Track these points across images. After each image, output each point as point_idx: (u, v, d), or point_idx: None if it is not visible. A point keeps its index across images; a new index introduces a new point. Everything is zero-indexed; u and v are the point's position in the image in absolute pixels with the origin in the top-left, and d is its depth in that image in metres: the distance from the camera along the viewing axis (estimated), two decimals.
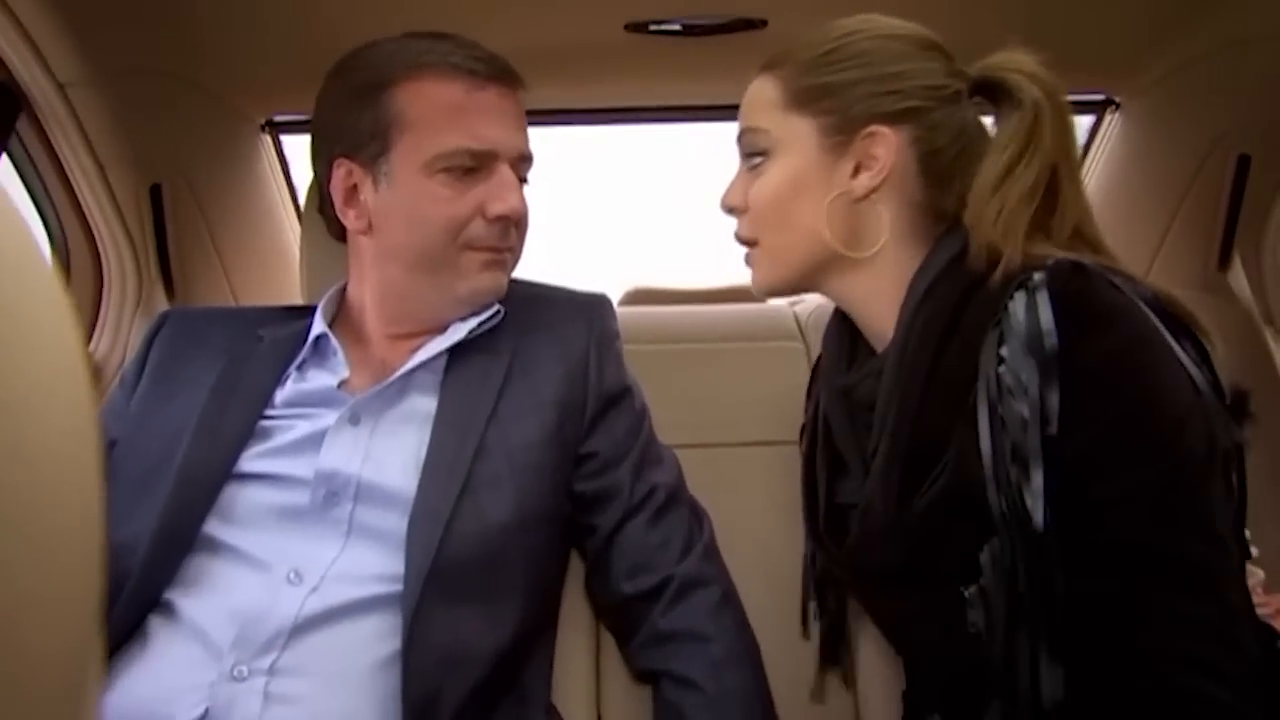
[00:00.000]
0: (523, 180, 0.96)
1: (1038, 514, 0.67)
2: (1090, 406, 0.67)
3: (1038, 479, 0.67)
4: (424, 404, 0.91)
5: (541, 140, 0.98)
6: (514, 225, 0.94)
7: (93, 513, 0.27)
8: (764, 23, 1.23)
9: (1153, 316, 0.70)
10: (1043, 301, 0.69)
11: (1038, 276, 0.70)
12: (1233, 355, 1.23)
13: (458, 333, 0.94)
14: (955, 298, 0.75)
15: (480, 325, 0.96)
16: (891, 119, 0.79)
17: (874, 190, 0.80)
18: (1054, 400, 0.67)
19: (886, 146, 0.79)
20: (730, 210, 0.87)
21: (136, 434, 0.92)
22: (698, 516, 0.98)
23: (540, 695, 0.90)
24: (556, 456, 0.92)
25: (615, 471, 0.94)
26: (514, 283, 1.01)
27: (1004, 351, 0.70)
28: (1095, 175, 1.61)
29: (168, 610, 0.80)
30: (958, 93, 0.81)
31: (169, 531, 0.83)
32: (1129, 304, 0.69)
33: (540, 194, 1.00)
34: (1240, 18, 1.25)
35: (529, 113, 0.99)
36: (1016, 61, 0.79)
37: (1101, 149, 1.59)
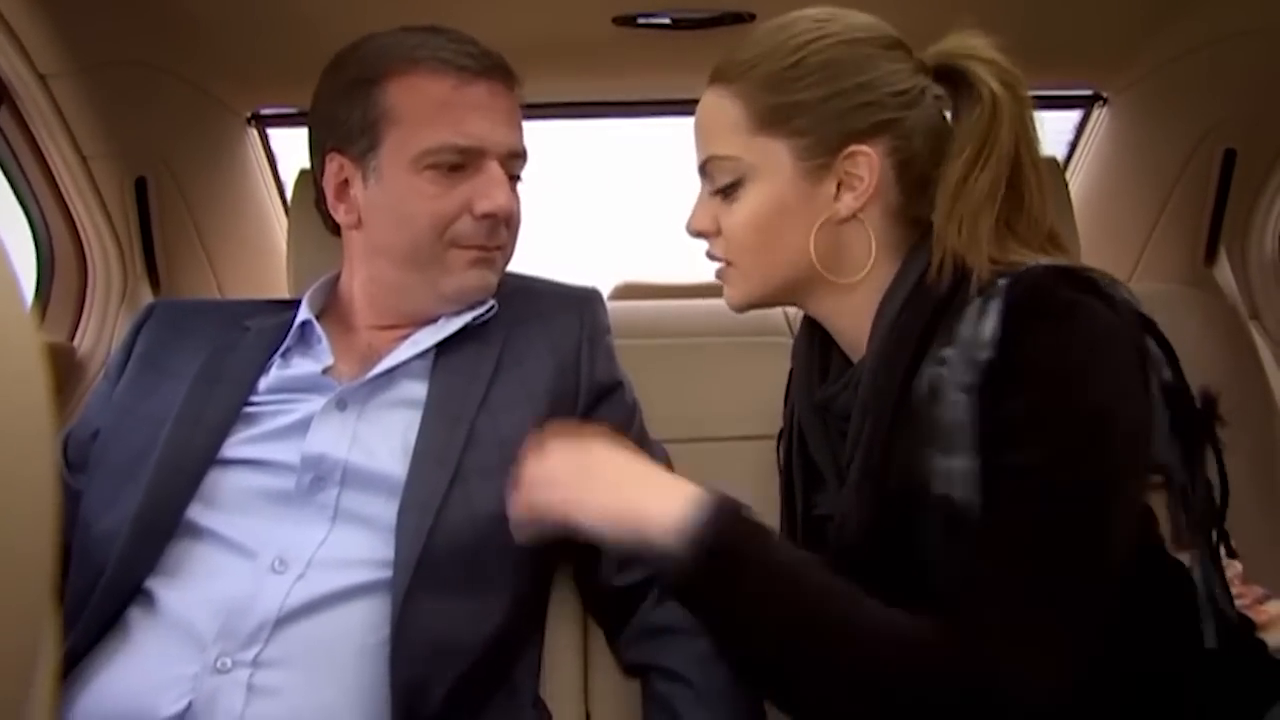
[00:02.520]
0: (515, 178, 0.96)
1: (973, 512, 0.67)
2: (1014, 387, 0.67)
3: (967, 467, 0.68)
4: (412, 390, 0.91)
5: (529, 134, 0.98)
6: (503, 223, 0.93)
7: (45, 498, 0.27)
8: (752, 16, 1.23)
9: (1124, 319, 0.69)
10: (994, 308, 0.69)
11: (1000, 283, 0.70)
12: (1218, 349, 1.25)
13: (450, 326, 0.94)
14: (923, 321, 0.74)
15: (474, 319, 0.95)
16: (867, 134, 0.77)
17: (860, 210, 0.78)
18: (988, 393, 0.67)
19: (869, 166, 0.77)
20: (699, 235, 0.84)
21: (120, 423, 0.91)
22: None
23: (529, 688, 0.90)
24: None
25: None
26: (505, 275, 1.01)
27: (947, 353, 0.70)
28: (1083, 170, 1.62)
29: (148, 600, 0.79)
30: (924, 90, 0.79)
31: (150, 517, 0.82)
32: (1084, 303, 0.69)
33: (528, 189, 1.00)
34: (1226, 13, 1.26)
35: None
36: (973, 47, 0.77)
37: (1089, 144, 1.60)
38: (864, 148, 0.77)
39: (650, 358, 1.16)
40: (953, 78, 0.79)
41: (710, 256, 0.85)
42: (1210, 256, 1.50)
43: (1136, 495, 0.68)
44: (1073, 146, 1.64)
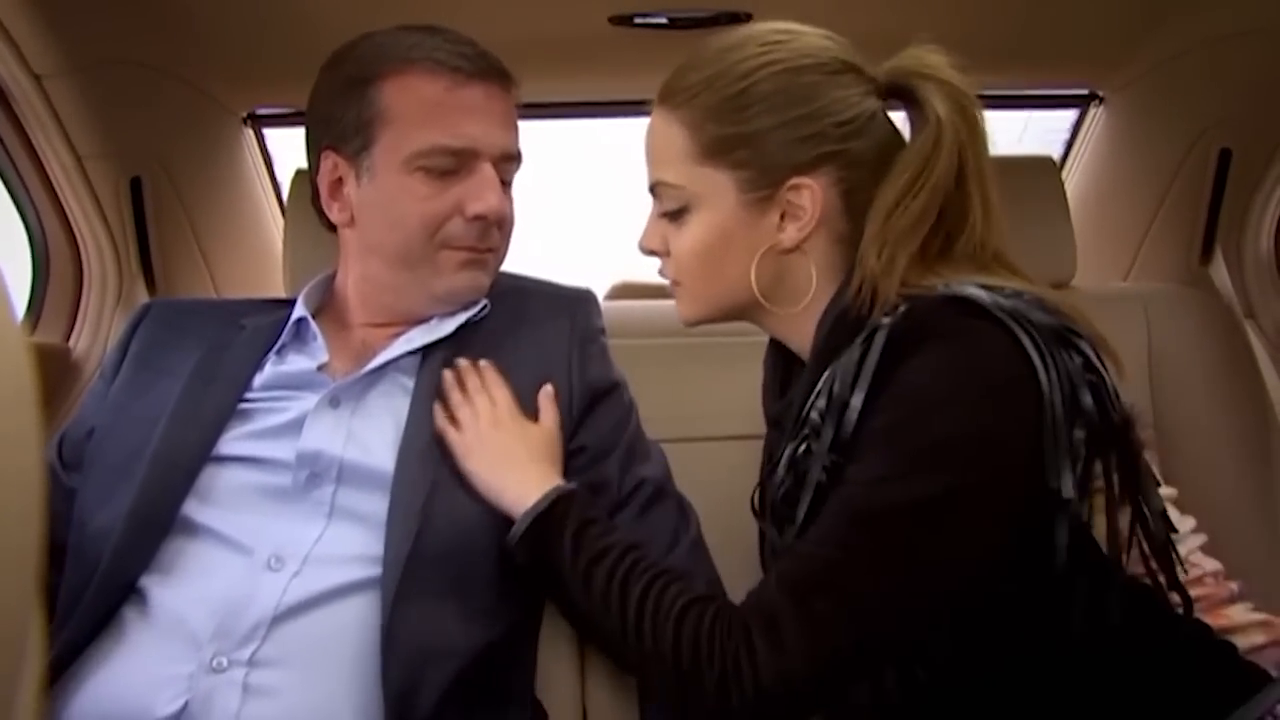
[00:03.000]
0: (506, 182, 0.95)
1: (800, 512, 0.73)
2: (876, 411, 0.70)
3: (812, 484, 0.73)
4: (404, 386, 0.91)
5: (526, 133, 0.98)
6: (495, 225, 0.93)
7: (31, 493, 0.27)
8: (749, 16, 1.23)
9: (1028, 339, 0.68)
10: (879, 339, 0.71)
11: (900, 310, 0.72)
12: (1213, 348, 1.25)
13: (445, 327, 0.94)
14: (841, 345, 0.75)
15: (468, 320, 0.95)
16: (810, 166, 0.77)
17: (804, 240, 0.79)
18: (855, 413, 0.70)
19: (812, 198, 0.77)
20: (650, 253, 0.86)
21: (116, 421, 0.91)
22: (684, 511, 0.98)
23: (524, 689, 0.90)
24: None
25: (603, 465, 0.94)
26: (499, 274, 1.01)
27: (820, 383, 0.74)
28: (1079, 169, 1.62)
29: (143, 598, 0.79)
30: (873, 116, 0.79)
31: (145, 513, 0.82)
32: (968, 330, 0.69)
33: (525, 188, 1.00)
34: (1223, 12, 1.26)
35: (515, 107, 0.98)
36: (928, 65, 0.77)
37: (1085, 143, 1.60)
38: (807, 180, 0.77)
39: (646, 357, 1.16)
40: (904, 95, 0.79)
41: (662, 274, 0.87)
42: (1206, 256, 1.50)
43: (983, 517, 0.69)
44: (1069, 146, 1.64)
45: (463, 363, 0.92)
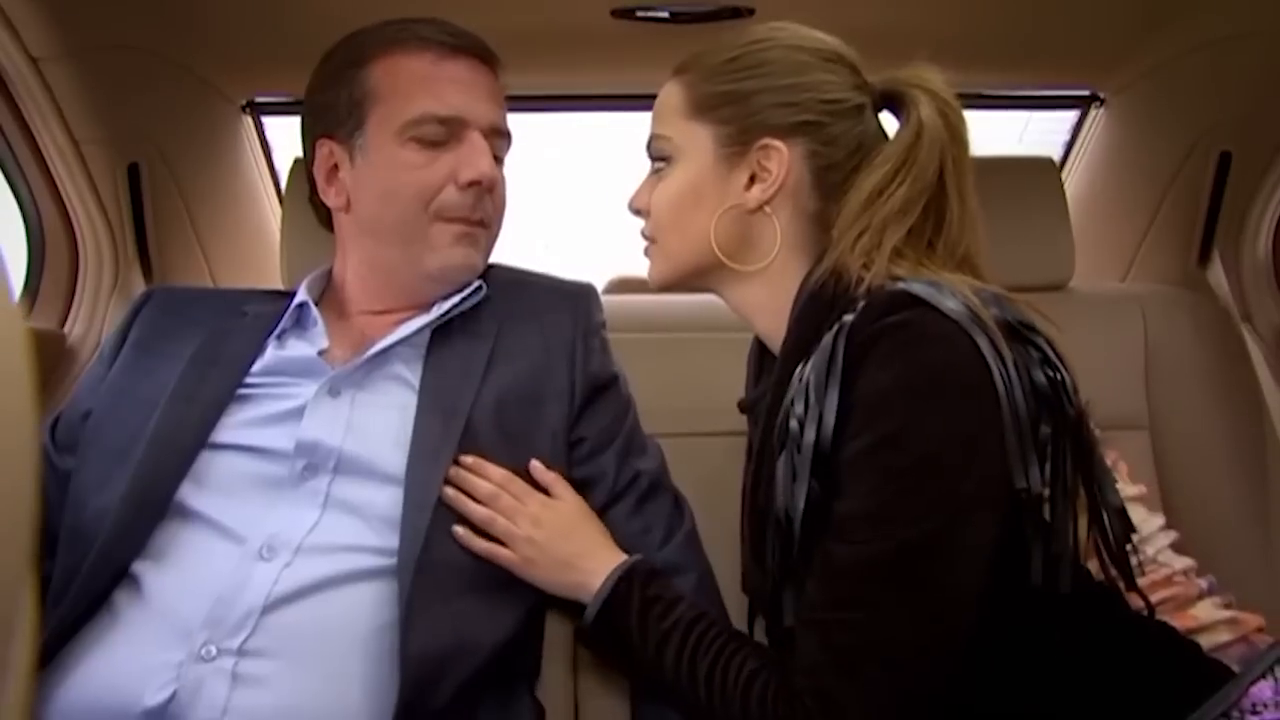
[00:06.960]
0: (498, 158, 0.97)
1: (795, 529, 0.73)
2: (850, 429, 0.70)
3: (801, 497, 0.73)
4: (406, 378, 0.91)
5: (526, 126, 0.98)
6: (488, 193, 0.94)
7: (24, 473, 0.27)
8: (751, 11, 1.23)
9: (984, 338, 0.69)
10: (840, 343, 0.72)
11: (859, 307, 0.72)
12: (1210, 351, 1.25)
13: (440, 310, 0.94)
14: (812, 329, 0.76)
15: (463, 301, 0.95)
16: (786, 132, 0.80)
17: (766, 203, 0.81)
18: (830, 422, 0.71)
19: (779, 160, 0.80)
20: (636, 212, 0.89)
21: (114, 404, 0.91)
22: (679, 505, 0.98)
23: (527, 683, 0.91)
24: (544, 445, 0.92)
25: (601, 457, 0.95)
26: (499, 268, 1.01)
27: (808, 375, 0.74)
28: (1078, 171, 1.62)
29: (135, 583, 0.79)
30: (859, 106, 0.82)
31: (139, 496, 0.82)
32: (925, 337, 0.69)
33: (525, 181, 1.00)
34: (1224, 14, 1.26)
35: (515, 98, 0.99)
36: (920, 76, 0.80)
37: (1085, 144, 1.60)
38: (777, 143, 0.80)
39: (644, 352, 1.16)
40: (894, 102, 0.82)
41: (643, 235, 0.89)
42: (1204, 258, 1.50)
43: (980, 526, 0.69)
44: (1069, 147, 1.64)
45: (460, 470, 0.86)
